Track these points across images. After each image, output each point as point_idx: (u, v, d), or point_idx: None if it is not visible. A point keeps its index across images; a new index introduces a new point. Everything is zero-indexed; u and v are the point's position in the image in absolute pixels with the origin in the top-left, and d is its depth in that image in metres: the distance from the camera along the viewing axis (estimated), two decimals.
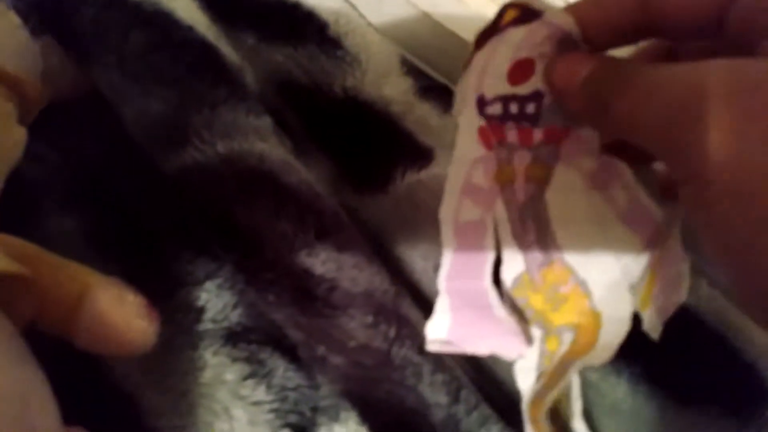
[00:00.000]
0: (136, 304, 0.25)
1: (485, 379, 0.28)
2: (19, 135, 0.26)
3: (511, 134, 0.22)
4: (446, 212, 0.23)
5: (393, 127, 0.31)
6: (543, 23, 0.21)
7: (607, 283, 0.22)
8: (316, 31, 0.32)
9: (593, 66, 0.19)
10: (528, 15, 0.21)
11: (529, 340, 0.24)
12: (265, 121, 0.29)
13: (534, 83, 0.22)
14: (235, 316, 0.27)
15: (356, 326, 0.26)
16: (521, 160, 0.23)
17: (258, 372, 0.26)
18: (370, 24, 0.34)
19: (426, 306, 0.27)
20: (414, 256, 0.29)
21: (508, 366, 0.25)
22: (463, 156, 0.23)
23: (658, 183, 0.23)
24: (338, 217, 0.28)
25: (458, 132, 0.23)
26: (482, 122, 0.23)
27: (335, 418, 0.26)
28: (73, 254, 0.25)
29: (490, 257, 0.23)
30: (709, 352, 0.27)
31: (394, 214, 0.30)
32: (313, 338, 0.26)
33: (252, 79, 0.31)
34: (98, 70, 0.29)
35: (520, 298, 0.23)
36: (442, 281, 0.24)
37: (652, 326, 0.23)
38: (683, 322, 0.25)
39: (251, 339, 0.27)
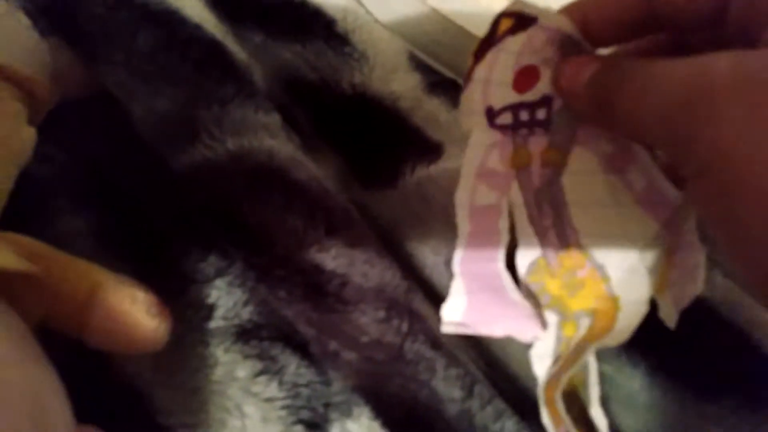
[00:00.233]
0: (147, 302, 0.25)
1: (498, 374, 0.28)
2: (28, 135, 0.26)
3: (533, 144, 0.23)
4: (461, 196, 0.23)
5: (401, 123, 0.31)
6: (540, 28, 0.21)
7: (624, 267, 0.22)
8: (323, 28, 0.32)
9: (597, 66, 0.19)
10: (523, 22, 0.21)
11: (544, 323, 0.24)
12: (274, 118, 0.29)
13: (541, 89, 0.22)
14: (246, 313, 0.27)
15: (368, 321, 0.26)
16: (537, 144, 0.22)
17: (270, 368, 0.26)
18: (377, 20, 0.34)
19: (437, 301, 0.27)
20: (425, 251, 0.29)
21: (522, 360, 0.24)
22: (479, 140, 0.23)
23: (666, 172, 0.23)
24: (348, 212, 0.28)
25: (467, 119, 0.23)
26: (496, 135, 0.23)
27: (348, 414, 0.26)
28: (84, 253, 0.25)
29: (504, 240, 0.23)
30: (725, 344, 0.26)
31: (403, 210, 0.30)
32: (324, 334, 0.26)
33: (260, 77, 0.31)
34: (107, 69, 0.29)
35: (535, 283, 0.23)
36: (457, 264, 0.24)
37: (668, 314, 0.23)
38: (699, 314, 0.25)
39: (263, 335, 0.27)
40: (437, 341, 0.26)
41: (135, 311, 0.24)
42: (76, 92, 0.30)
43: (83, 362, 0.24)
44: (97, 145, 0.30)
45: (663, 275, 0.22)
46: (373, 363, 0.26)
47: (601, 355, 0.25)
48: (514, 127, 0.22)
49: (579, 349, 0.23)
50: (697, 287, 0.23)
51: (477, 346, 0.29)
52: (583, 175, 0.22)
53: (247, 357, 0.26)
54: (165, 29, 0.29)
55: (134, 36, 0.28)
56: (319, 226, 0.27)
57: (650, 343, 0.23)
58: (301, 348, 0.27)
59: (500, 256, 0.23)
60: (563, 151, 0.22)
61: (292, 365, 0.26)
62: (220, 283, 0.27)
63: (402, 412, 0.25)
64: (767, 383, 0.26)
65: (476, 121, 0.23)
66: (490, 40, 0.22)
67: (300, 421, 0.26)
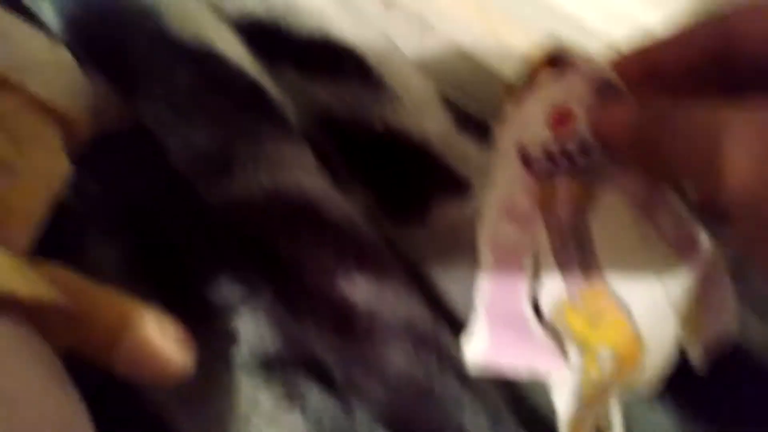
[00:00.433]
0: (175, 332, 0.25)
1: (521, 406, 0.28)
2: (63, 166, 0.27)
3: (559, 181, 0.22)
4: (485, 233, 0.23)
5: (431, 161, 0.31)
6: (576, 72, 0.21)
7: (649, 307, 0.22)
8: (356, 67, 0.32)
9: (638, 112, 0.19)
10: (560, 65, 0.21)
11: (567, 361, 0.23)
12: (307, 154, 0.30)
13: (576, 131, 0.21)
14: (271, 344, 0.27)
15: (396, 355, 0.26)
16: (564, 183, 0.22)
17: (294, 398, 0.26)
18: (408, 60, 0.35)
19: None
20: (452, 289, 0.29)
21: (544, 392, 0.24)
22: (504, 177, 0.23)
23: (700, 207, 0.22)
24: (377, 247, 0.28)
25: (497, 155, 0.23)
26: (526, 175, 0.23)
27: None
28: (114, 281, 0.26)
29: (528, 278, 0.23)
30: (758, 389, 0.26)
31: (432, 246, 0.30)
32: (351, 367, 0.26)
33: (293, 112, 0.32)
34: (146, 104, 0.30)
35: (559, 320, 0.23)
36: (480, 301, 0.23)
37: (699, 359, 0.22)
38: (732, 358, 0.24)
39: (288, 366, 0.27)
40: (465, 377, 0.26)
41: (163, 342, 0.25)
42: (111, 125, 0.31)
43: (110, 391, 0.24)
44: (129, 178, 0.31)
45: (691, 317, 0.22)
46: (401, 397, 0.25)
47: (628, 400, 0.25)
48: (549, 168, 0.22)
49: (603, 389, 0.22)
50: (728, 331, 0.22)
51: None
52: (609, 213, 0.22)
53: (271, 387, 0.26)
54: (205, 67, 0.29)
55: (175, 73, 0.29)
56: (349, 260, 0.27)
57: (680, 388, 0.22)
58: (326, 379, 0.27)
59: (524, 294, 0.23)
60: (590, 189, 0.22)
61: (316, 396, 0.26)
62: (246, 312, 0.28)
63: None
64: None
65: (508, 159, 0.23)
66: (528, 81, 0.22)
67: None
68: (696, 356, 0.22)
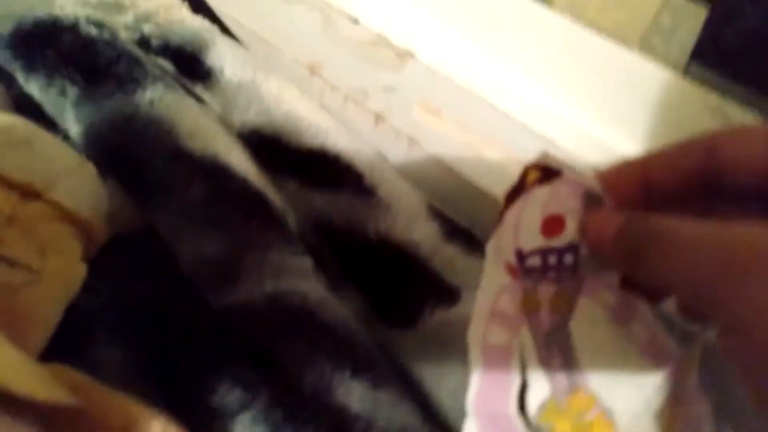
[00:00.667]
0: None
1: None
2: (81, 271, 0.29)
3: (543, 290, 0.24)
4: (474, 334, 0.24)
5: (421, 268, 0.33)
6: (563, 182, 0.23)
7: (631, 413, 0.23)
8: (353, 182, 0.35)
9: (622, 221, 0.21)
10: (549, 174, 0.23)
11: None
12: (307, 262, 0.32)
13: (567, 236, 0.23)
14: None
15: None
16: (546, 292, 0.24)
17: None
18: (400, 175, 0.38)
19: None
20: (442, 394, 0.30)
21: None
22: (490, 282, 0.25)
23: (679, 308, 0.24)
24: (372, 353, 0.30)
25: (486, 261, 0.25)
26: (513, 263, 0.24)
27: None
28: (118, 382, 0.26)
29: (516, 383, 0.24)
30: None
31: (422, 350, 0.31)
32: None
33: (293, 220, 0.34)
34: (160, 215, 0.32)
35: (545, 423, 0.24)
36: (470, 404, 0.24)
37: None
38: None
39: None
40: None
41: None
42: (124, 229, 0.33)
43: None
44: (139, 280, 0.32)
45: (667, 427, 0.23)
46: None
47: None
48: (543, 270, 0.24)
49: None
50: None
51: None
52: (589, 323, 0.23)
53: None
54: (216, 182, 0.32)
55: (189, 187, 0.31)
56: (346, 368, 0.28)
57: None
58: None
59: (512, 400, 0.24)
60: (570, 299, 0.24)
61: None
62: (244, 418, 0.28)
63: None
64: None
65: (495, 265, 0.24)
66: (520, 187, 0.24)
67: None
68: None
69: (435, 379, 0.31)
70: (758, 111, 0.36)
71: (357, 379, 0.28)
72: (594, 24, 0.39)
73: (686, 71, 0.39)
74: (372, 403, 0.27)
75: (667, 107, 0.38)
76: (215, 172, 0.32)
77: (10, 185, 0.28)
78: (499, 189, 0.38)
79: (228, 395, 0.29)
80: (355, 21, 0.45)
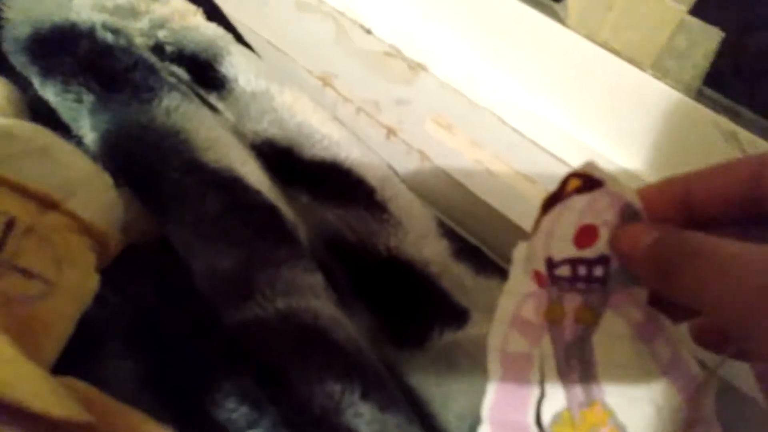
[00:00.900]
0: None
1: None
2: (95, 282, 0.29)
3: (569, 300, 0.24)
4: (494, 341, 0.24)
5: (430, 287, 0.34)
6: (604, 192, 0.23)
7: (646, 431, 0.23)
8: (364, 196, 0.35)
9: (657, 235, 0.20)
10: (590, 183, 0.23)
11: None
12: (318, 279, 0.32)
13: (599, 248, 0.23)
14: None
15: None
16: (571, 302, 0.24)
17: None
18: (411, 190, 0.38)
19: None
20: (449, 416, 0.30)
21: None
22: (515, 290, 0.24)
23: (695, 332, 0.24)
24: (381, 374, 0.30)
25: (512, 266, 0.25)
26: (542, 270, 0.24)
27: None
28: (127, 395, 0.27)
29: (534, 392, 0.24)
30: None
31: (430, 372, 0.32)
32: None
33: (304, 234, 0.34)
34: (174, 228, 0.32)
35: None
36: (486, 410, 0.24)
37: None
38: None
39: None
40: None
41: None
42: (138, 240, 0.33)
43: None
44: (149, 291, 0.32)
45: None
46: None
47: None
48: (572, 281, 0.24)
49: None
50: None
51: None
52: (612, 337, 0.23)
53: None
54: (231, 195, 0.32)
55: (203, 200, 0.31)
56: (356, 388, 0.28)
57: None
58: None
59: (530, 410, 0.24)
60: (596, 312, 0.23)
61: None
62: None
63: None
64: None
65: (522, 271, 0.24)
66: (559, 195, 0.23)
67: None
68: None
69: (442, 400, 0.31)
70: None
71: (366, 401, 0.28)
72: (608, 44, 0.39)
73: (699, 94, 0.39)
74: (380, 426, 0.28)
75: (680, 130, 0.39)
76: (229, 184, 0.32)
77: (28, 194, 0.28)
78: (509, 207, 0.38)
79: (235, 411, 0.29)
80: (369, 31, 0.45)
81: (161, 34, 0.42)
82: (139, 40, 0.41)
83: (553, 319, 0.24)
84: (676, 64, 0.40)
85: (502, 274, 0.25)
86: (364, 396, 0.28)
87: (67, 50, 0.36)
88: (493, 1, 0.41)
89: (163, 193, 0.32)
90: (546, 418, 0.24)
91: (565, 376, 0.24)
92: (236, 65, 0.40)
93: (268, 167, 0.37)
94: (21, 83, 0.38)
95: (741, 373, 0.32)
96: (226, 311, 0.30)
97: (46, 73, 0.36)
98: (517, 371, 0.24)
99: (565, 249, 0.24)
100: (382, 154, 0.41)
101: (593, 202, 0.23)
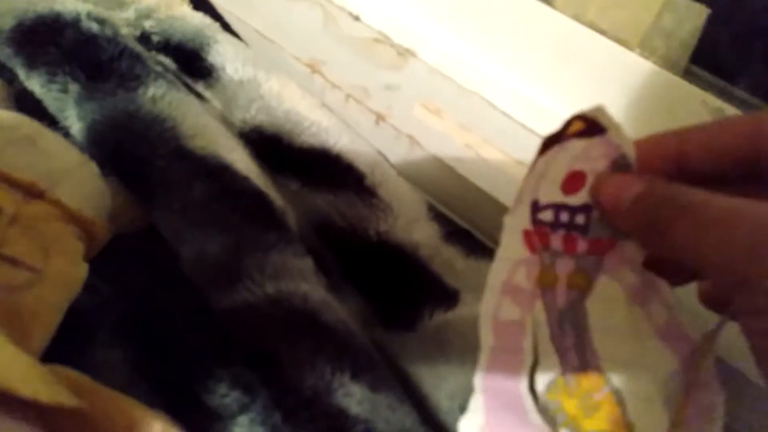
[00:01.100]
0: None
1: None
2: (83, 271, 0.29)
3: (557, 241, 0.23)
4: (486, 308, 0.24)
5: (421, 270, 0.34)
6: (603, 140, 0.22)
7: (641, 396, 0.22)
8: (354, 181, 0.35)
9: (643, 187, 0.20)
10: (592, 129, 0.22)
11: None
12: (308, 263, 0.32)
13: (584, 196, 0.22)
14: None
15: None
16: (564, 267, 0.23)
17: None
18: (400, 175, 0.38)
19: None
20: (440, 396, 0.30)
21: None
22: (507, 255, 0.24)
23: (701, 296, 0.23)
24: (371, 355, 0.30)
25: (504, 232, 0.24)
26: (529, 226, 0.23)
27: None
28: (118, 383, 0.27)
29: (528, 361, 0.23)
30: None
31: (421, 352, 0.32)
32: None
33: (294, 220, 0.34)
34: (162, 214, 0.32)
35: (553, 401, 0.23)
36: (479, 379, 0.24)
37: None
38: None
39: None
40: None
41: None
42: (125, 228, 0.33)
43: None
44: (139, 279, 0.32)
45: (679, 412, 0.22)
46: None
47: None
48: (553, 226, 0.23)
49: None
50: (714, 429, 0.22)
51: None
52: (606, 302, 0.23)
53: None
54: (218, 181, 0.32)
55: (191, 187, 0.31)
56: (346, 370, 0.28)
57: None
58: None
59: (523, 377, 0.23)
60: (589, 276, 0.23)
61: None
62: (243, 420, 0.28)
63: None
64: None
65: (514, 235, 0.24)
66: (559, 136, 0.23)
67: None
68: None
69: (433, 381, 0.31)
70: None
71: (357, 382, 0.28)
72: (595, 24, 0.39)
73: (687, 72, 0.39)
74: (371, 406, 0.28)
75: (668, 108, 0.39)
76: (217, 171, 0.32)
77: (14, 184, 0.28)
78: (499, 190, 0.38)
79: (227, 396, 0.29)
80: (357, 18, 0.45)
81: (147, 24, 0.42)
82: (125, 30, 0.40)
83: (545, 284, 0.23)
84: (663, 43, 0.40)
85: (492, 255, 0.25)
86: (355, 377, 0.28)
87: (51, 40, 0.36)
88: None
89: (151, 180, 0.32)
90: (540, 385, 0.23)
91: (558, 342, 0.23)
92: (223, 53, 0.40)
93: (257, 155, 0.37)
94: (6, 75, 0.38)
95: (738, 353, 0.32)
96: (215, 296, 0.30)
97: (31, 63, 0.36)
98: (509, 339, 0.23)
99: (551, 193, 0.23)
100: (372, 140, 0.41)
101: (589, 148, 0.22)
